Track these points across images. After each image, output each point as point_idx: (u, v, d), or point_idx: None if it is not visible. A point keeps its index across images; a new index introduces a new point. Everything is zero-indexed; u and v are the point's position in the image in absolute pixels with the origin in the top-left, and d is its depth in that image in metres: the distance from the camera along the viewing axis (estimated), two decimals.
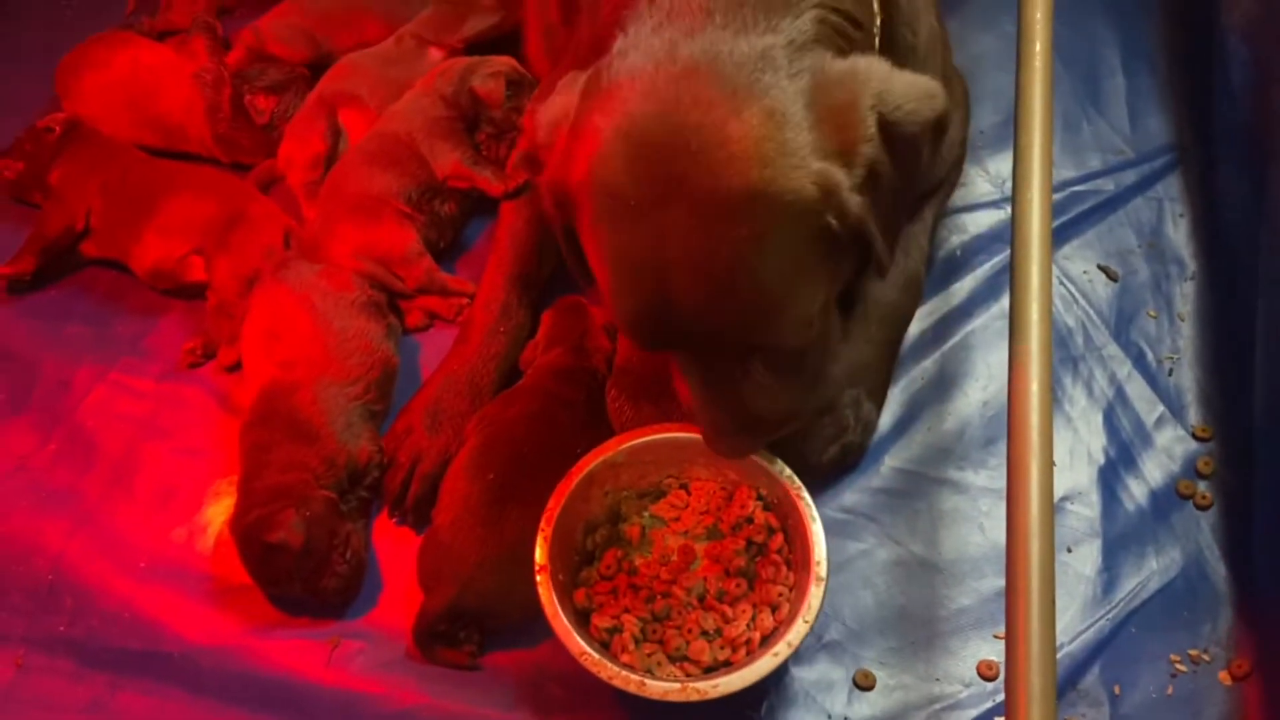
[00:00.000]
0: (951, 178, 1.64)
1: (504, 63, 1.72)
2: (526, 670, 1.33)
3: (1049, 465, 1.13)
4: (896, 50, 1.22)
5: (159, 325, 1.67)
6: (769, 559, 1.29)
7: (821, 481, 1.41)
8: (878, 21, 1.17)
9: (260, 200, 1.71)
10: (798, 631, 1.18)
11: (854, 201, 0.98)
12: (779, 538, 1.31)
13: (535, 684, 1.32)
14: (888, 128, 1.00)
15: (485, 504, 1.33)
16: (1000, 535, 1.38)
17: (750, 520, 1.31)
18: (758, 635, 1.24)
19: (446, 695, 1.31)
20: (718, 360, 1.11)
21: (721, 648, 1.24)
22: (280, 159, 1.77)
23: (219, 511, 1.47)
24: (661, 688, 1.16)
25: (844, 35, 1.06)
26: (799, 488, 1.27)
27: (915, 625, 1.36)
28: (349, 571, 1.37)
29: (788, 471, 1.28)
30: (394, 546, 1.44)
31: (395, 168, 1.64)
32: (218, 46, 1.82)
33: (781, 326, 1.06)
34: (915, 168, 1.08)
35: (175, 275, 1.64)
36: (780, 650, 1.18)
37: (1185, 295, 1.63)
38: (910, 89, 1.02)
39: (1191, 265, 1.66)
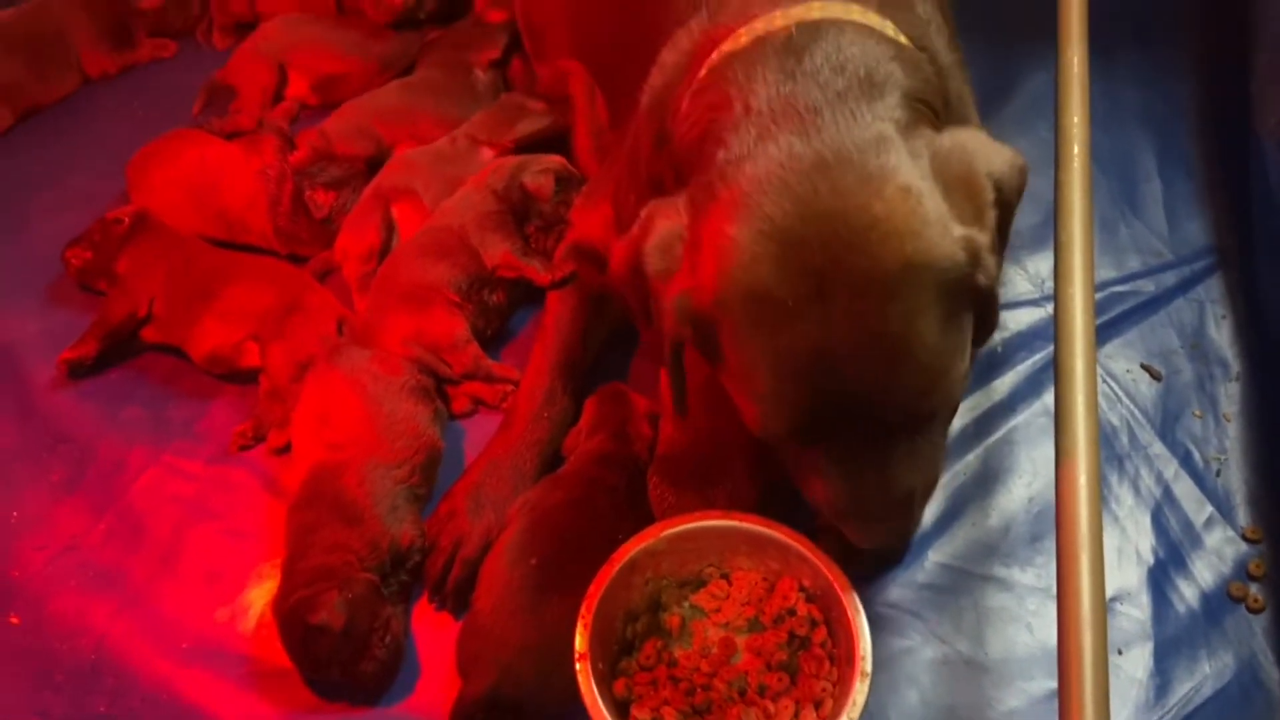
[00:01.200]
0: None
1: (554, 161, 1.79)
2: None
3: (1100, 562, 1.12)
4: None
5: (212, 409, 1.71)
6: (812, 653, 1.27)
7: (865, 575, 1.40)
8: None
9: (316, 290, 1.76)
10: None
11: (992, 261, 1.03)
12: (822, 631, 1.29)
13: None
14: (999, 196, 1.06)
15: (526, 589, 1.33)
16: (1049, 636, 1.37)
17: (793, 612, 1.30)
18: None
19: None
20: (872, 442, 1.11)
21: None
22: (336, 251, 1.83)
23: (261, 594, 1.48)
24: None
25: (932, 121, 1.12)
26: (844, 580, 1.26)
27: None
28: (387, 656, 1.37)
29: (832, 562, 1.27)
30: (433, 632, 1.43)
31: (447, 259, 1.69)
32: (285, 146, 1.91)
33: (948, 389, 1.08)
34: (1008, 231, 1.13)
35: (231, 361, 1.69)
36: None
37: (1230, 396, 1.63)
38: (1006, 157, 1.08)
39: (1235, 366, 1.65)
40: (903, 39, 1.17)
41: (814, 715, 1.23)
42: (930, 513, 1.49)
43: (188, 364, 1.75)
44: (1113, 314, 1.70)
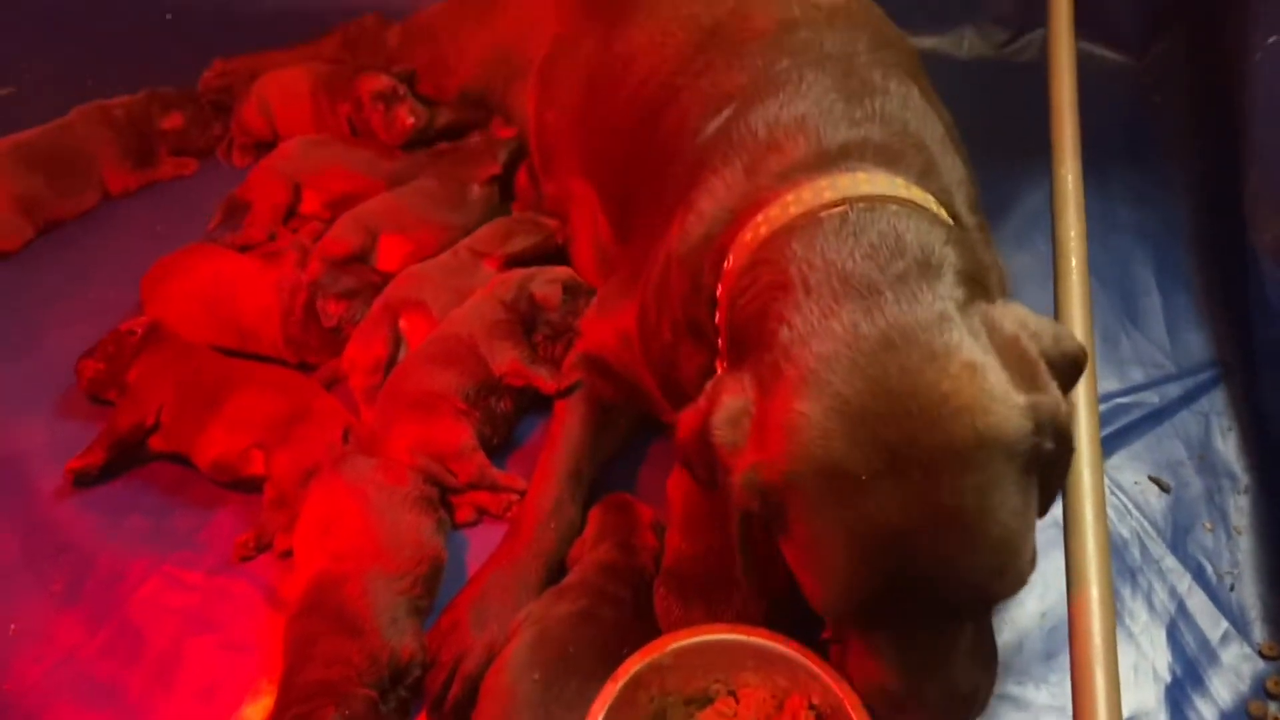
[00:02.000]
0: None
1: (562, 272, 1.83)
2: None
3: (1115, 681, 1.10)
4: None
5: (215, 519, 1.70)
6: None
7: None
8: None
9: (324, 397, 1.78)
10: None
11: (1065, 414, 1.05)
12: None
13: None
14: (1047, 359, 1.08)
15: (529, 706, 1.30)
16: None
17: None
18: None
19: None
20: (937, 630, 1.09)
21: None
22: (344, 361, 1.85)
23: (259, 710, 1.45)
24: None
25: (981, 285, 1.15)
26: (855, 698, 1.23)
27: None
28: None
29: (843, 679, 1.24)
30: None
31: (455, 366, 1.71)
32: (304, 261, 1.95)
33: (1020, 568, 1.06)
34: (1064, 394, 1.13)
35: (235, 468, 1.70)
36: None
37: (1240, 509, 1.61)
38: (1049, 331, 1.11)
39: (1244, 478, 1.65)
40: (942, 212, 1.22)
41: None
42: None
43: (192, 472, 1.75)
44: (1118, 425, 1.71)
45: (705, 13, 1.55)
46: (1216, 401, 1.75)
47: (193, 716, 1.46)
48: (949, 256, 1.12)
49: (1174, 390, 1.77)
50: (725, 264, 1.24)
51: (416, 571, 1.49)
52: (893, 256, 1.10)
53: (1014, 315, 1.10)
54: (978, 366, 1.03)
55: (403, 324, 1.86)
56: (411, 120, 2.20)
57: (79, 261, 2.19)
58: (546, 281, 1.79)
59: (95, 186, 2.30)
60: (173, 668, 1.52)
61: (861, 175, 1.20)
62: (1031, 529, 1.08)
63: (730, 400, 1.12)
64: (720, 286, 1.25)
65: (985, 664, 1.15)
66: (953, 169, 1.34)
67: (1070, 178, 1.55)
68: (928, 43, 2.53)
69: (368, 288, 1.91)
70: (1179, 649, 1.46)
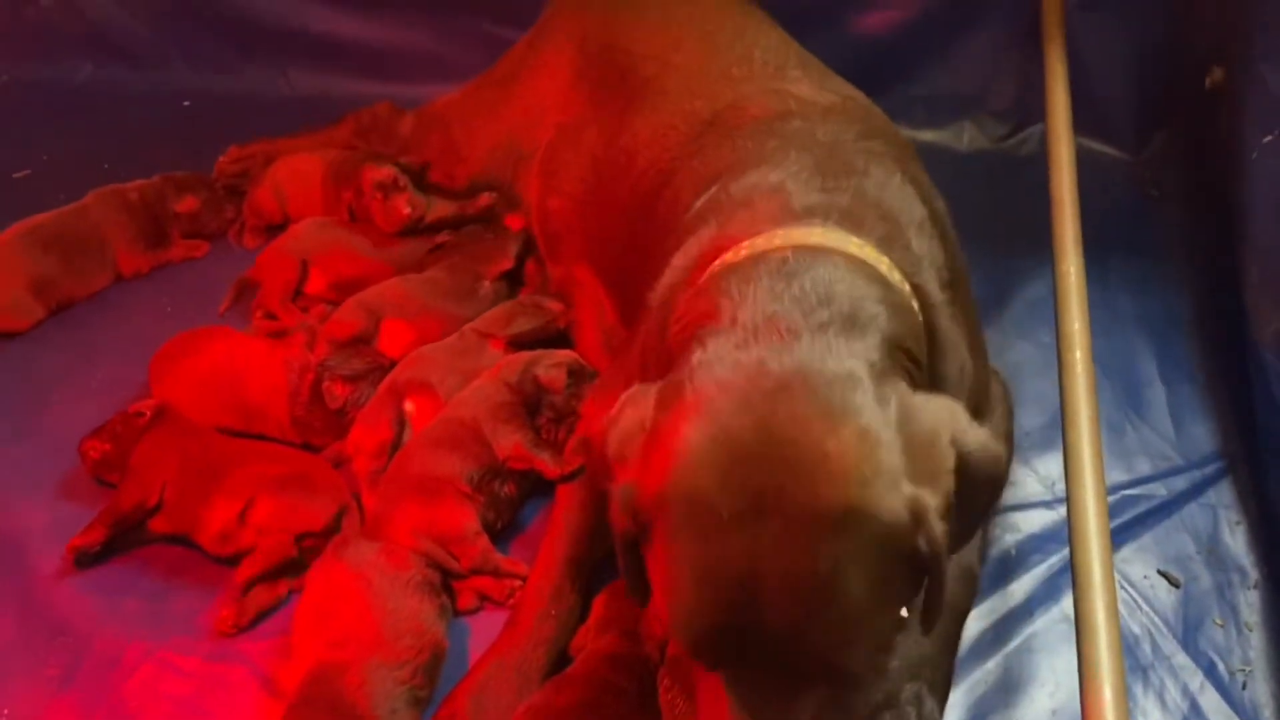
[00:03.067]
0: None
1: (566, 355, 1.85)
2: None
3: None
4: (936, 382, 1.26)
5: (214, 603, 1.67)
6: None
7: None
8: (923, 355, 1.23)
9: (327, 470, 1.79)
10: None
11: (939, 528, 0.99)
12: None
13: None
14: (961, 470, 1.03)
15: None
16: None
17: None
18: None
19: None
20: (778, 684, 1.04)
21: None
22: (349, 444, 1.85)
23: None
24: None
25: (908, 373, 1.12)
26: None
27: None
28: None
29: None
30: None
31: (459, 450, 1.71)
32: (312, 342, 1.97)
33: (861, 650, 1.02)
34: (971, 517, 1.08)
35: (239, 536, 1.69)
36: None
37: (1250, 604, 1.60)
38: (983, 444, 1.06)
39: (1254, 573, 1.63)
40: (896, 276, 1.20)
41: None
42: None
43: (193, 554, 1.73)
44: (1126, 518, 1.70)
45: (705, 107, 1.59)
46: (1224, 494, 1.74)
47: None
48: (878, 318, 1.10)
49: (1181, 483, 1.76)
50: (679, 305, 1.24)
51: (417, 660, 1.47)
52: (819, 304, 1.08)
53: (944, 410, 1.05)
54: (870, 437, 0.99)
55: (409, 406, 1.86)
56: (408, 210, 2.23)
57: (87, 341, 2.20)
58: (551, 365, 1.81)
59: (108, 268, 2.33)
60: None
61: (817, 229, 1.20)
62: (890, 622, 1.03)
63: (630, 413, 1.11)
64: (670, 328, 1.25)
65: None
66: (927, 247, 1.32)
67: (1073, 271, 1.57)
68: (928, 136, 2.58)
69: (375, 370, 1.92)
70: None
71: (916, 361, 1.14)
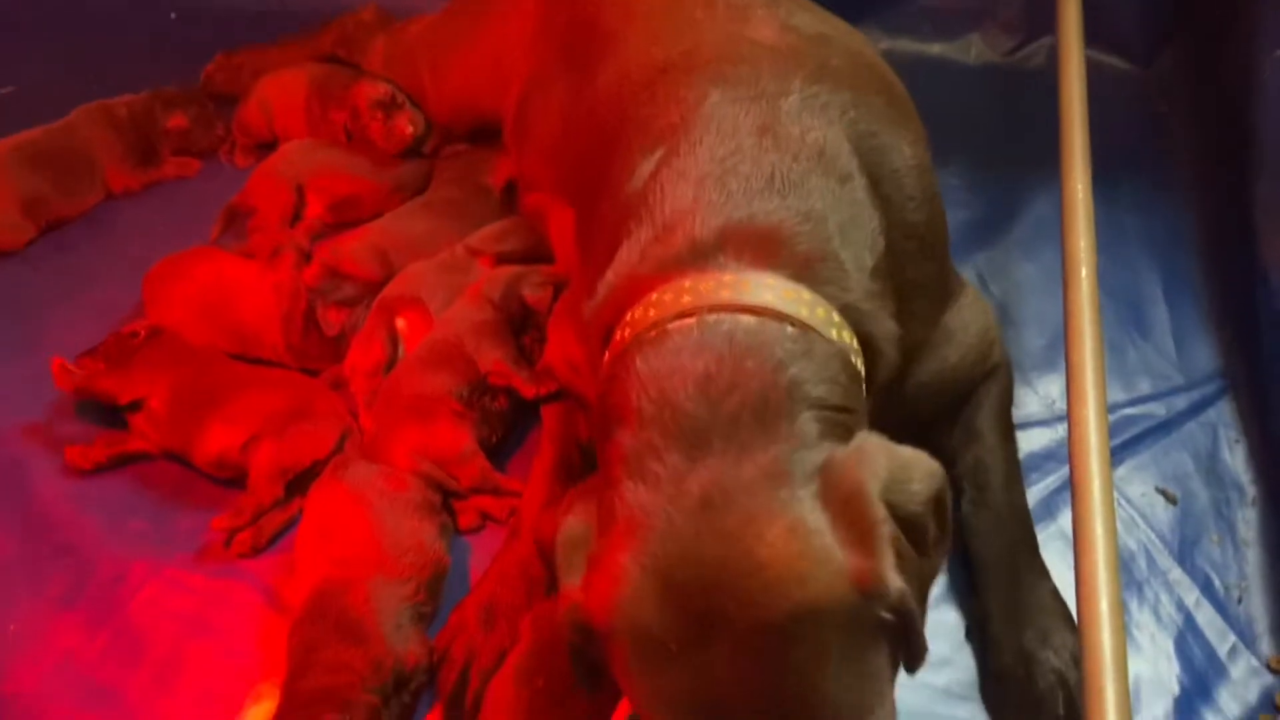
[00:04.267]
0: (994, 388, 1.59)
1: (552, 271, 1.82)
2: None
3: (1125, 694, 1.09)
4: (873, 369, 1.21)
5: (214, 522, 1.68)
6: None
7: None
8: (863, 370, 1.16)
9: (328, 397, 1.77)
10: None
11: (896, 587, 0.93)
12: None
13: None
14: (895, 509, 0.97)
15: (533, 713, 1.29)
16: None
17: None
18: None
19: None
20: None
21: None
22: (346, 367, 1.84)
23: (260, 715, 1.43)
24: None
25: (842, 426, 1.06)
26: None
27: None
28: None
29: None
30: None
31: (446, 367, 1.70)
32: (302, 262, 1.93)
33: None
34: (926, 544, 1.03)
35: (239, 464, 1.68)
36: None
37: (1248, 521, 1.61)
38: (904, 470, 1.00)
39: (1251, 491, 1.64)
40: (820, 312, 1.10)
41: None
42: (947, 637, 1.46)
43: (194, 474, 1.74)
44: (1125, 437, 1.70)
45: (661, 54, 1.47)
46: (1224, 413, 1.74)
47: None
48: (796, 387, 1.02)
49: (1181, 402, 1.76)
50: (604, 358, 1.17)
51: (420, 578, 1.48)
52: (728, 391, 1.00)
53: (869, 459, 0.98)
54: (799, 530, 0.93)
55: (400, 323, 1.84)
56: (411, 129, 2.19)
57: (80, 262, 2.18)
58: (538, 284, 1.79)
59: (98, 186, 2.29)
60: (173, 672, 1.50)
61: (727, 277, 1.09)
62: (881, 697, 0.97)
63: (574, 524, 1.05)
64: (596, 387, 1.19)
65: None
66: (857, 236, 1.21)
67: (1080, 188, 1.54)
68: (935, 50, 2.53)
69: (369, 294, 1.90)
70: (1187, 662, 1.45)
71: (846, 409, 1.07)
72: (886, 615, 0.94)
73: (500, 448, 1.75)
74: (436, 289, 1.87)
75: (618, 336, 1.14)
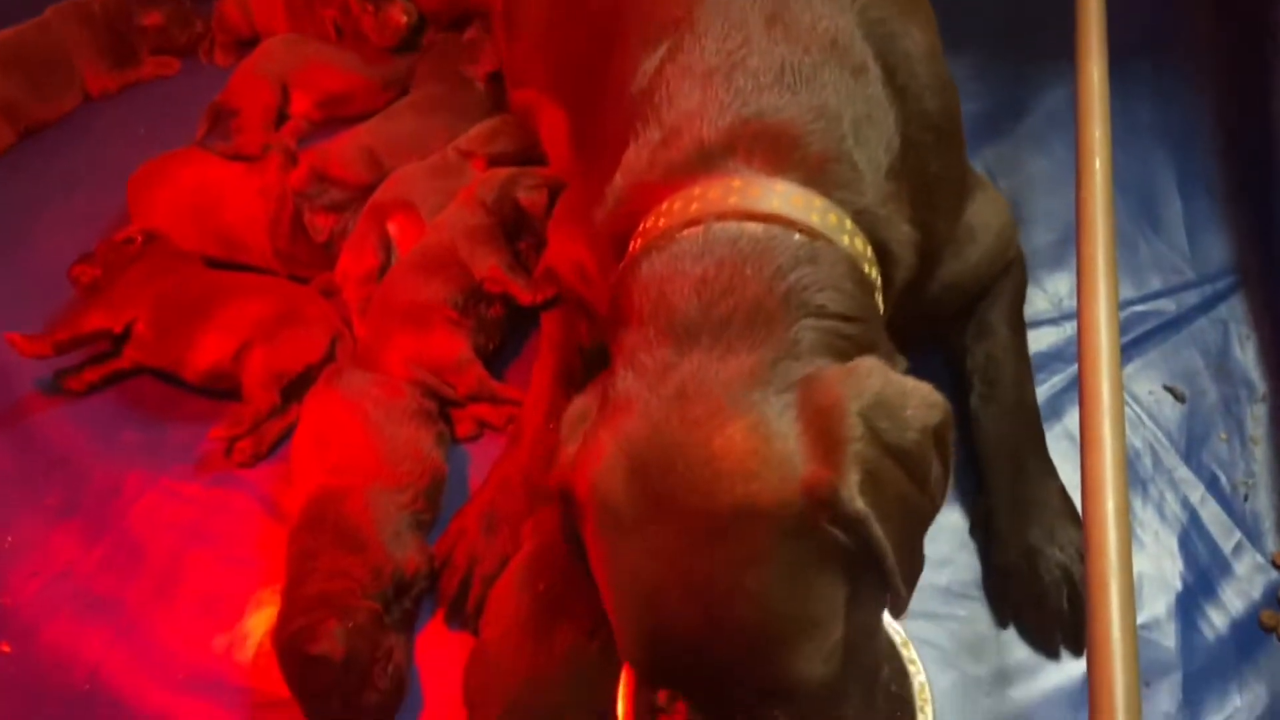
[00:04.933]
0: (1009, 284, 1.56)
1: (548, 174, 1.76)
2: None
3: (1130, 592, 1.08)
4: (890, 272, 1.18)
5: (210, 431, 1.66)
6: None
7: None
8: (877, 278, 1.13)
9: (317, 302, 1.74)
10: None
11: (853, 505, 0.91)
12: None
13: None
14: (884, 434, 0.95)
15: (535, 617, 1.28)
16: (1075, 666, 1.34)
17: None
18: None
19: None
20: (730, 708, 0.97)
21: None
22: (337, 273, 1.80)
23: (261, 621, 1.44)
24: None
25: (845, 337, 1.04)
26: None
27: None
28: (390, 687, 1.33)
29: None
30: (437, 662, 1.39)
31: (440, 274, 1.67)
32: (288, 165, 1.88)
33: (793, 662, 0.94)
34: (927, 479, 1.01)
35: (232, 374, 1.66)
36: None
37: (1257, 418, 1.58)
38: (905, 397, 0.98)
39: (1261, 387, 1.61)
40: (831, 219, 1.08)
41: None
42: (949, 537, 1.45)
43: (185, 387, 1.71)
44: (1134, 334, 1.66)
45: None
46: (1236, 309, 1.70)
47: (194, 629, 1.45)
48: (799, 293, 1.01)
49: (1192, 298, 1.72)
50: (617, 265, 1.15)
51: (418, 485, 1.47)
52: (723, 294, 1.00)
53: (859, 376, 0.97)
54: (760, 429, 0.93)
55: (392, 228, 1.80)
56: (404, 19, 2.11)
57: (63, 167, 2.14)
58: (531, 187, 1.73)
59: (75, 88, 2.23)
60: (173, 581, 1.51)
61: (736, 182, 1.07)
62: (825, 617, 0.95)
63: (580, 403, 1.07)
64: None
65: None
66: (871, 134, 1.16)
67: (1096, 74, 1.47)
68: None
69: (357, 198, 1.85)
70: (1191, 559, 1.44)
71: (848, 317, 1.05)
72: (840, 535, 0.92)
73: (498, 355, 1.72)
74: (428, 193, 1.82)
75: (632, 247, 1.12)
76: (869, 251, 1.12)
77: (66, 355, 1.72)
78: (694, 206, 1.07)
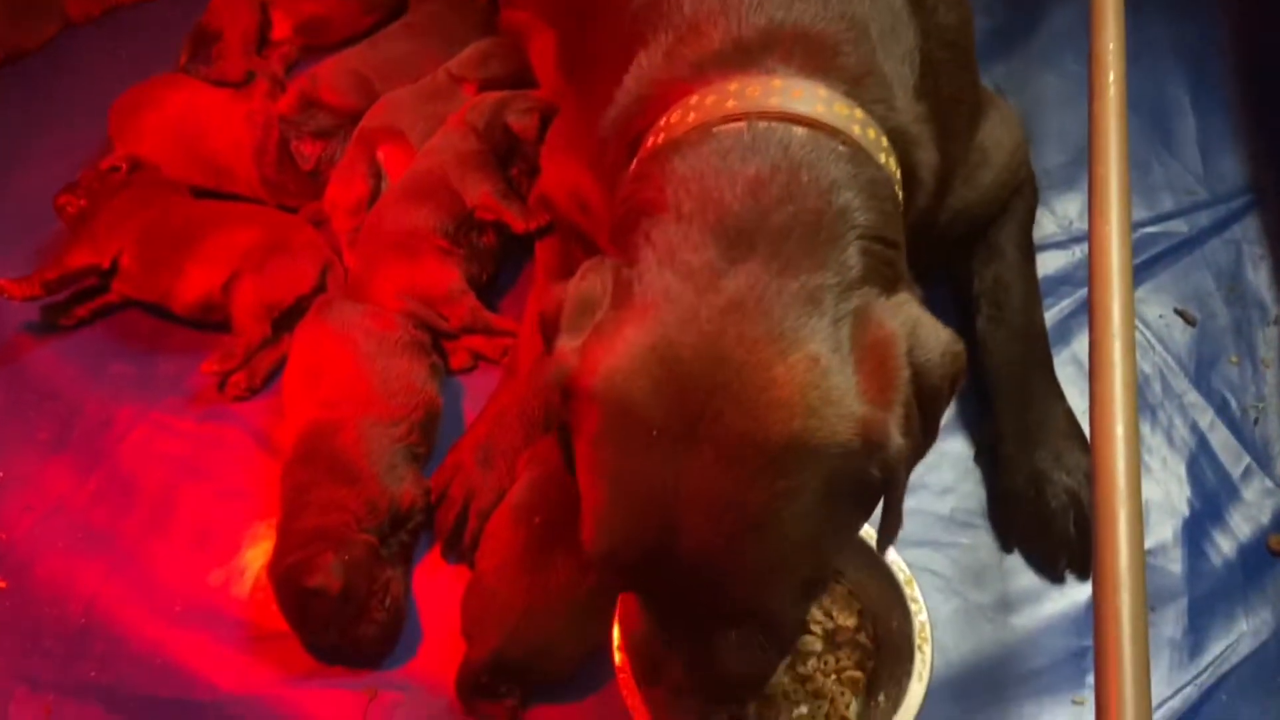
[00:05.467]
0: (1020, 205, 1.53)
1: (539, 97, 1.70)
2: None
3: (1138, 519, 1.05)
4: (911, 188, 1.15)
5: (201, 365, 1.63)
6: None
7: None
8: (901, 201, 1.09)
9: (305, 230, 1.70)
10: None
11: (896, 445, 0.90)
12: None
13: None
14: (918, 375, 0.93)
15: (532, 550, 1.27)
16: (1079, 592, 1.32)
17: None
18: None
19: None
20: (698, 617, 0.98)
21: None
22: (326, 203, 1.76)
23: (257, 555, 1.43)
24: None
25: (888, 263, 1.00)
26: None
27: (986, 687, 1.28)
28: (388, 619, 1.32)
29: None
30: (434, 594, 1.38)
31: (430, 202, 1.62)
32: (275, 91, 1.82)
33: (786, 593, 0.95)
34: (936, 423, 0.99)
35: (222, 305, 1.63)
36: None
37: (1269, 341, 1.55)
38: (937, 341, 0.95)
39: (1274, 309, 1.58)
40: (871, 134, 1.03)
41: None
42: (953, 465, 1.43)
43: (175, 319, 1.68)
44: (1145, 256, 1.62)
45: None
46: (1249, 229, 1.66)
47: (190, 563, 1.44)
48: (851, 213, 0.96)
49: (1205, 218, 1.68)
50: (630, 166, 1.10)
51: (412, 418, 1.44)
52: (780, 202, 0.94)
53: (904, 314, 0.95)
54: (823, 362, 0.89)
55: (381, 155, 1.74)
56: None
57: (44, 97, 2.07)
58: (523, 111, 1.67)
59: (55, 13, 2.15)
60: (167, 515, 1.49)
61: (776, 82, 1.01)
62: (825, 561, 0.95)
63: (589, 288, 0.99)
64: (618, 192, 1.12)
65: (753, 663, 1.01)
66: (899, 49, 1.13)
67: None
68: None
69: (344, 124, 1.79)
70: (1198, 484, 1.42)
71: (892, 242, 1.01)
72: (877, 473, 0.90)
73: (491, 286, 1.68)
74: (417, 118, 1.76)
75: (649, 142, 1.06)
76: (899, 173, 1.07)
77: (56, 294, 1.68)
78: (730, 103, 1.01)
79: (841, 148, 1.00)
